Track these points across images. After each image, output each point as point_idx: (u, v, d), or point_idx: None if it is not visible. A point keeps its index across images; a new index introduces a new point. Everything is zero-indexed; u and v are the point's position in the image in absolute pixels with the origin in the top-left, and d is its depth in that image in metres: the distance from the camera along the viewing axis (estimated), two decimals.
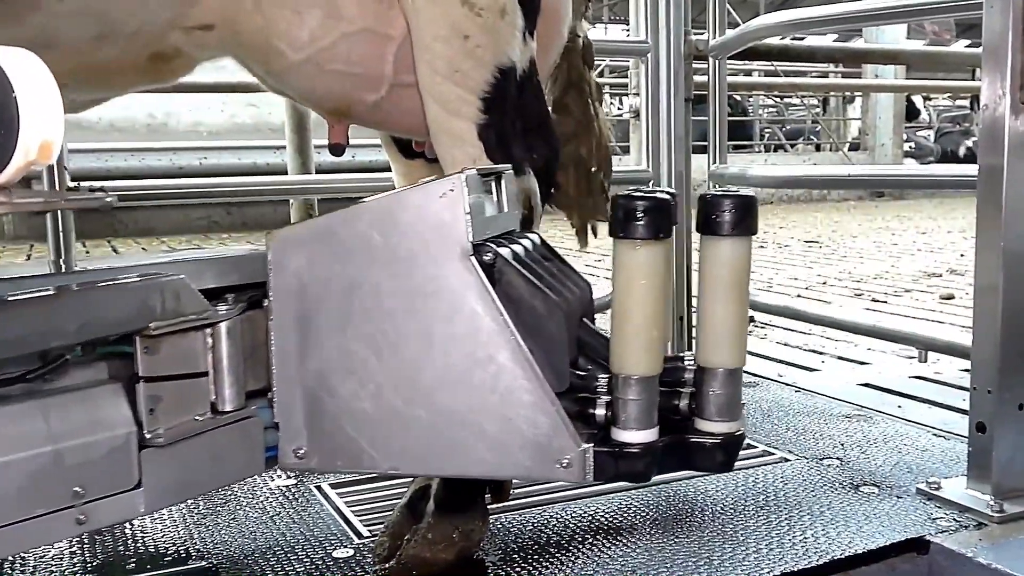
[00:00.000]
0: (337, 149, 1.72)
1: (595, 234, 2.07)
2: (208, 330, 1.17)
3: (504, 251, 1.20)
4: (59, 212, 2.15)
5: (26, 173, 0.91)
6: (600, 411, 1.18)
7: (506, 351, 1.14)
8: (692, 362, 1.22)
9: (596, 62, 2.22)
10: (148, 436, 1.10)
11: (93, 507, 1.07)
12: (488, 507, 1.56)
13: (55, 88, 0.90)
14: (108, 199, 1.07)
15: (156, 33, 1.43)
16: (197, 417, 1.17)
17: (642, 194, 1.17)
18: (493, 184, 1.30)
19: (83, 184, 2.21)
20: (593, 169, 1.99)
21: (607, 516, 1.70)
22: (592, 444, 1.15)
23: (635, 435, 1.16)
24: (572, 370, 1.22)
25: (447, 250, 1.15)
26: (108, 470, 1.07)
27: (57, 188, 2.15)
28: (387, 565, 1.48)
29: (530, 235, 1.35)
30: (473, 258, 1.15)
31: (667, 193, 1.20)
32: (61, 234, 2.17)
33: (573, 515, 1.71)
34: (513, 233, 1.33)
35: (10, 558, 1.57)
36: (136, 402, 1.10)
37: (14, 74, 0.85)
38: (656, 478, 1.87)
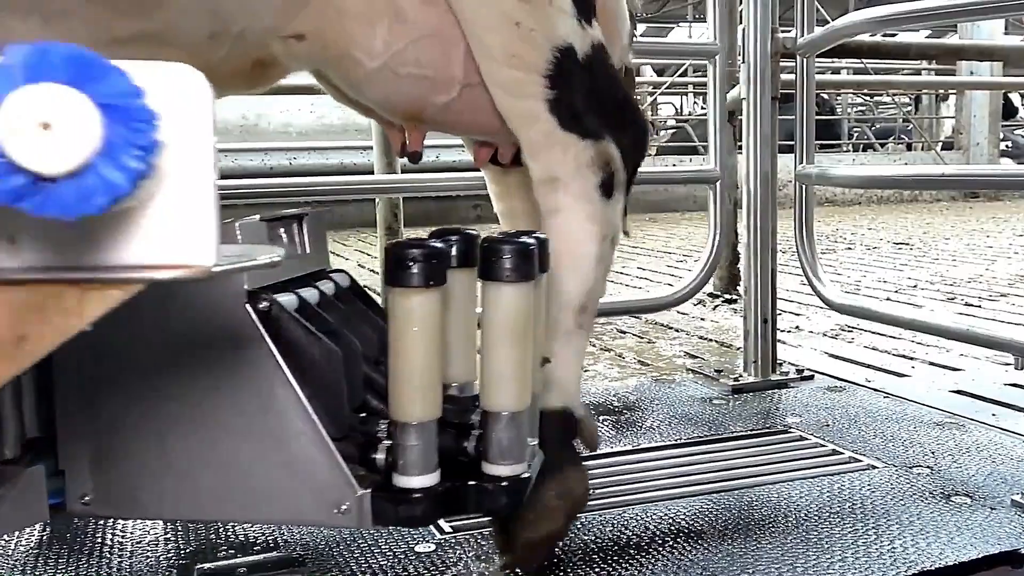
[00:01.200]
0: (415, 157, 1.75)
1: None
2: None
3: (285, 298, 1.21)
4: None
5: None
6: (381, 456, 1.18)
7: (284, 399, 1.14)
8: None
9: (678, 62, 2.19)
10: None
11: None
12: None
13: None
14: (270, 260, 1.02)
15: (258, 38, 1.50)
16: None
17: (414, 242, 1.17)
18: (294, 227, 1.32)
19: None
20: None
21: (688, 519, 1.69)
22: (370, 489, 1.15)
23: (414, 480, 1.16)
24: (359, 414, 1.22)
25: (224, 298, 1.15)
26: None
27: None
28: (508, 556, 1.51)
29: (335, 276, 1.36)
30: (248, 306, 1.14)
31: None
32: None
33: (654, 517, 1.70)
34: (320, 274, 1.34)
35: (107, 543, 1.65)
36: None
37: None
38: (739, 481, 1.86)
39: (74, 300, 0.78)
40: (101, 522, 1.75)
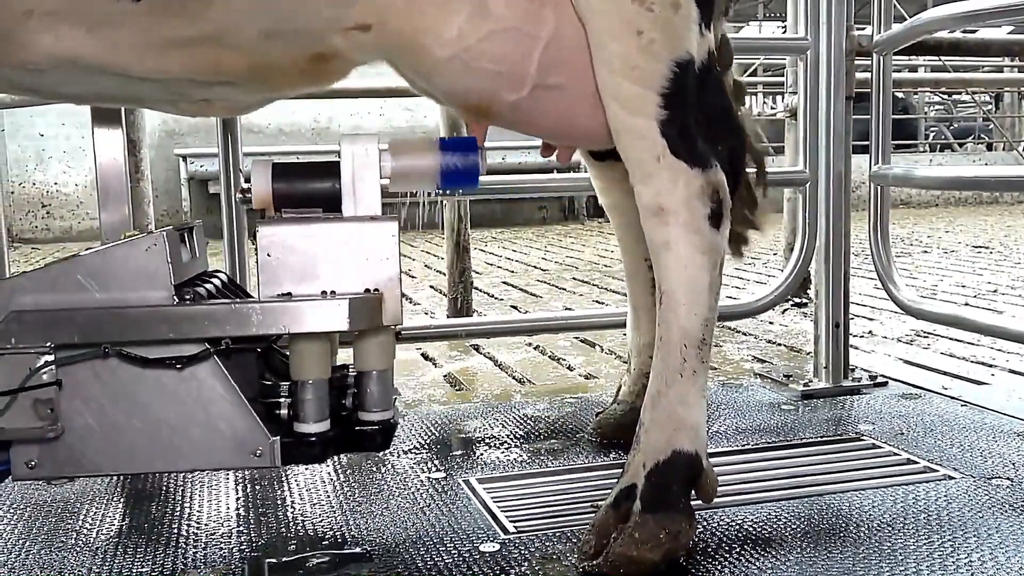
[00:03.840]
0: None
1: (746, 242, 2.00)
2: None
3: (200, 290, 1.51)
4: (233, 212, 2.29)
5: None
6: (284, 411, 1.48)
7: (206, 369, 1.43)
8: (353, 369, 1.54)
9: (750, 60, 2.16)
10: None
11: None
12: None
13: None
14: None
15: (317, 33, 1.50)
16: None
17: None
18: (186, 235, 1.58)
19: None
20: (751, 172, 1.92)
21: (755, 526, 1.67)
22: (279, 436, 1.45)
23: (311, 427, 1.47)
24: (261, 381, 1.52)
25: (154, 292, 1.42)
26: None
27: (232, 189, 2.29)
28: (594, 562, 1.50)
29: (219, 275, 1.67)
30: (175, 297, 1.43)
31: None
32: (235, 232, 2.32)
33: (721, 523, 1.68)
34: (204, 274, 1.65)
35: (183, 534, 1.69)
36: None
37: None
38: (809, 489, 1.83)
39: None
40: (178, 515, 1.80)
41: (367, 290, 1.46)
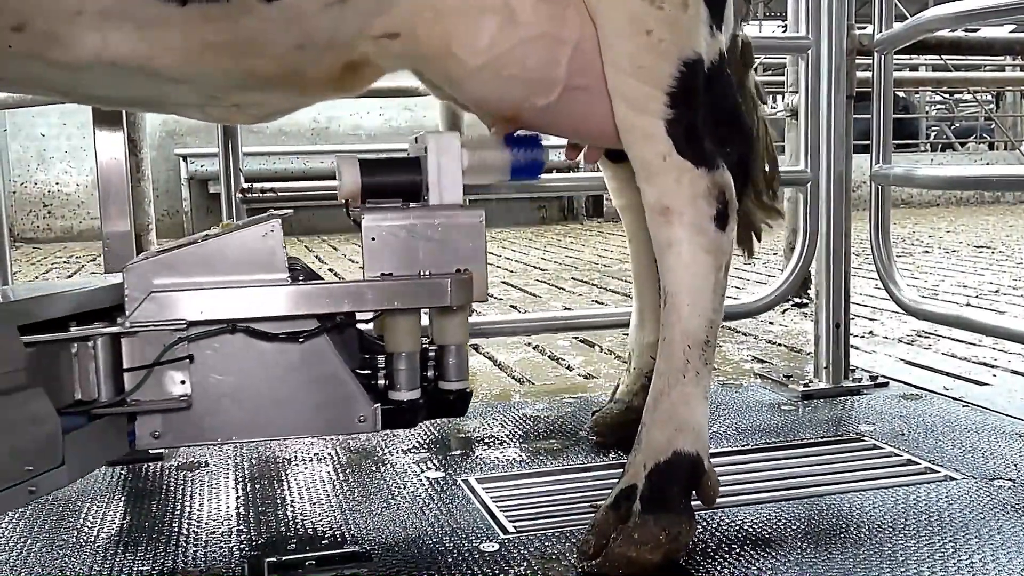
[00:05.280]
0: None
1: (759, 239, 2.00)
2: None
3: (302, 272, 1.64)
4: (233, 210, 2.29)
5: None
6: (381, 381, 1.59)
7: (317, 343, 1.54)
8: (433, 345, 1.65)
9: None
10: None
11: (38, 481, 1.34)
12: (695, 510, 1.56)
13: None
14: None
15: (348, 42, 1.50)
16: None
17: None
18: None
19: (255, 185, 2.35)
20: (765, 171, 1.92)
21: (755, 526, 1.66)
22: (379, 404, 1.57)
23: (405, 395, 1.58)
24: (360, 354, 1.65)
25: (270, 273, 1.53)
26: (45, 452, 1.36)
27: (233, 189, 2.28)
28: (593, 563, 1.49)
29: (297, 259, 1.75)
30: (288, 277, 1.55)
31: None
32: None
33: (721, 524, 1.68)
34: (292, 259, 1.78)
35: (183, 533, 1.69)
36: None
37: None
38: (809, 490, 1.83)
39: None
40: (178, 513, 1.80)
41: (457, 270, 1.59)
